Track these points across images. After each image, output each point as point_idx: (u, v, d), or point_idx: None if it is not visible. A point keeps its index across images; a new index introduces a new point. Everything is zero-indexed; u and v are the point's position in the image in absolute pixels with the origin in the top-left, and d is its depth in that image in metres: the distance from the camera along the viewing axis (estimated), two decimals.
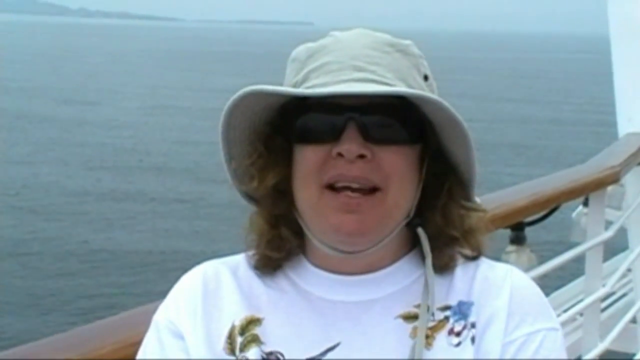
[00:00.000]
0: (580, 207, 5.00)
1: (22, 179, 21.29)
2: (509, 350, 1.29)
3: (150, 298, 1.67)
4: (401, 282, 1.36)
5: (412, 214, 1.35)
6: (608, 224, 4.37)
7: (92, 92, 42.63)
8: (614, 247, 5.91)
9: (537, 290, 1.38)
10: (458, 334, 1.30)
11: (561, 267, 3.78)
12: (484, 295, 1.33)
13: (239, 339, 1.32)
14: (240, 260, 1.44)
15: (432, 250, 1.36)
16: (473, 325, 1.30)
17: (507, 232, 3.99)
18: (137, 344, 1.41)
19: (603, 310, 5.37)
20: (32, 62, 66.18)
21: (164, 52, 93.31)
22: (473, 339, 1.29)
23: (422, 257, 1.37)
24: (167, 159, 24.53)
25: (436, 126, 1.33)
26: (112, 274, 13.96)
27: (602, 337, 4.26)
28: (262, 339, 1.32)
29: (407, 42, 1.38)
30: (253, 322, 1.34)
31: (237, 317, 1.34)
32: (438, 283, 1.34)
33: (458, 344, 1.29)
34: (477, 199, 1.42)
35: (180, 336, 1.34)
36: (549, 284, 5.89)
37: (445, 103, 1.25)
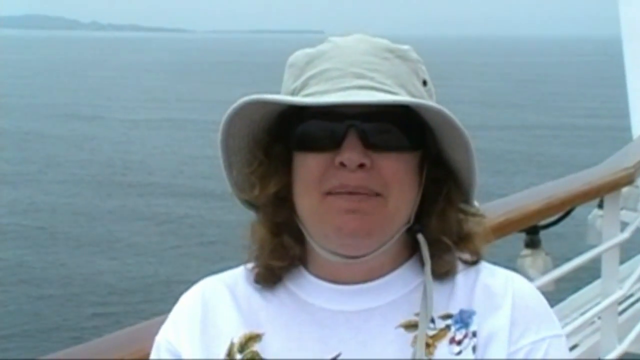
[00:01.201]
0: (596, 210, 4.98)
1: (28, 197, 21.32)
2: None
3: None
4: (401, 290, 1.34)
5: (412, 220, 1.34)
6: (624, 225, 4.35)
7: (99, 106, 42.69)
8: (632, 249, 5.89)
9: (539, 297, 1.36)
10: (459, 343, 1.28)
11: (578, 270, 3.76)
12: (485, 305, 1.31)
13: (238, 357, 1.31)
14: (239, 275, 1.43)
15: (432, 256, 1.34)
16: (474, 335, 1.28)
17: (522, 236, 3.97)
18: (145, 358, 1.41)
19: (621, 312, 5.35)
20: (39, 77, 66.49)
21: (173, 64, 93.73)
22: (474, 348, 1.27)
23: (422, 264, 1.35)
24: (174, 178, 24.26)
25: (436, 132, 1.31)
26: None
27: (621, 339, 4.24)
28: (262, 355, 1.30)
29: (406, 47, 1.37)
30: (252, 338, 1.32)
31: (236, 334, 1.33)
32: (438, 290, 1.33)
33: (459, 353, 1.27)
34: (476, 204, 1.40)
35: (178, 356, 1.34)
36: (565, 287, 5.90)
37: (446, 111, 1.24)
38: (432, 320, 1.29)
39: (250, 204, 1.40)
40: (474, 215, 1.39)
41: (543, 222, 3.85)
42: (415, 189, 1.33)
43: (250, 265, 1.41)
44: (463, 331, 1.29)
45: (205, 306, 1.38)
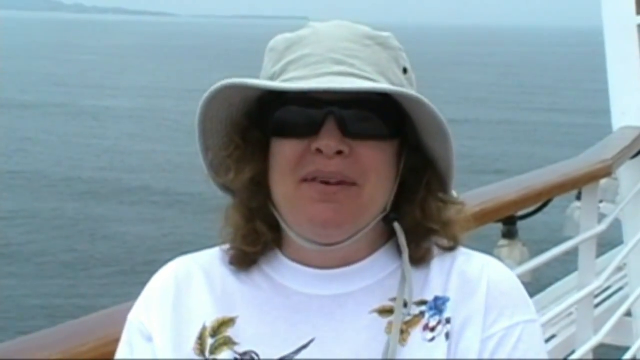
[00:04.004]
0: (575, 202, 4.99)
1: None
2: (488, 346, 1.27)
3: None
4: (377, 275, 1.35)
5: (388, 208, 1.34)
6: (603, 217, 4.36)
7: (80, 93, 41.87)
8: (612, 242, 5.91)
9: (515, 282, 1.36)
10: (432, 330, 1.28)
11: (557, 262, 3.76)
12: (460, 291, 1.31)
13: (210, 341, 1.30)
14: (214, 256, 1.42)
15: (409, 243, 1.34)
16: (448, 321, 1.28)
17: (500, 227, 3.97)
18: (118, 342, 1.39)
19: (598, 305, 5.38)
20: (12, 61, 66.00)
21: (157, 48, 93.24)
22: (447, 335, 1.27)
23: (399, 249, 1.36)
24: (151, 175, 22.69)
25: (415, 121, 1.31)
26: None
27: (596, 330, 4.25)
28: (236, 339, 1.30)
29: (387, 34, 1.36)
30: (225, 323, 1.32)
31: (209, 318, 1.33)
32: (414, 277, 1.33)
33: (432, 339, 1.27)
34: (454, 193, 1.41)
35: (149, 337, 1.33)
36: (545, 279, 5.92)
37: (425, 99, 1.24)
38: (406, 305, 1.29)
39: (227, 188, 1.40)
40: (453, 203, 1.40)
41: (521, 213, 3.84)
42: (393, 178, 1.33)
43: (225, 246, 1.41)
44: (437, 318, 1.29)
45: (178, 287, 1.37)
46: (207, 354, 1.29)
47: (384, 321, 1.29)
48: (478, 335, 1.27)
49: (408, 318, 1.29)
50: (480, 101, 40.92)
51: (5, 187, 19.74)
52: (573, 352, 4.19)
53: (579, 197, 4.38)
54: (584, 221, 4.09)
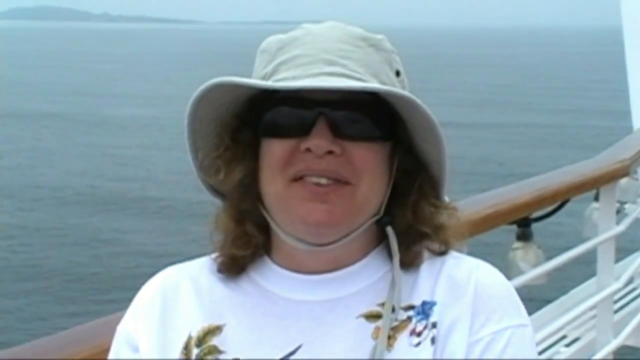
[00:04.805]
0: (593, 203, 4.93)
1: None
2: (475, 350, 1.24)
3: None
4: (366, 280, 1.33)
5: (382, 212, 1.33)
6: (623, 218, 4.31)
7: (105, 102, 41.63)
8: (633, 243, 5.84)
9: (506, 286, 1.33)
10: (419, 334, 1.26)
11: (577, 264, 3.72)
12: (447, 295, 1.29)
13: (195, 351, 1.29)
14: (203, 265, 1.41)
15: (399, 246, 1.33)
16: (434, 325, 1.26)
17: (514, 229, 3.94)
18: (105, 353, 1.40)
19: (620, 308, 5.31)
20: (43, 68, 66.35)
21: (183, 56, 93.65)
22: (433, 340, 1.25)
23: (389, 253, 1.34)
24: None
25: (408, 124, 1.30)
26: None
27: (616, 333, 4.20)
28: (222, 347, 1.29)
29: (380, 36, 1.35)
30: (211, 331, 1.31)
31: (195, 327, 1.31)
32: (403, 281, 1.30)
33: (418, 344, 1.25)
34: (446, 198, 1.39)
35: (135, 348, 1.32)
36: (566, 281, 5.86)
37: (418, 101, 1.23)
38: (394, 311, 1.28)
39: (217, 192, 1.39)
40: (445, 208, 1.38)
41: (536, 215, 3.80)
42: (386, 180, 1.32)
43: (214, 255, 1.40)
44: (424, 322, 1.27)
45: (165, 297, 1.36)
46: None
47: (370, 326, 1.27)
48: (464, 340, 1.24)
49: (395, 323, 1.27)
50: (503, 105, 40.61)
51: (32, 200, 19.66)
52: (593, 355, 4.13)
53: (597, 198, 4.33)
54: (602, 222, 4.05)
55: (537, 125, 32.74)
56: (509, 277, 3.49)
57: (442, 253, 1.36)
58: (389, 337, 1.25)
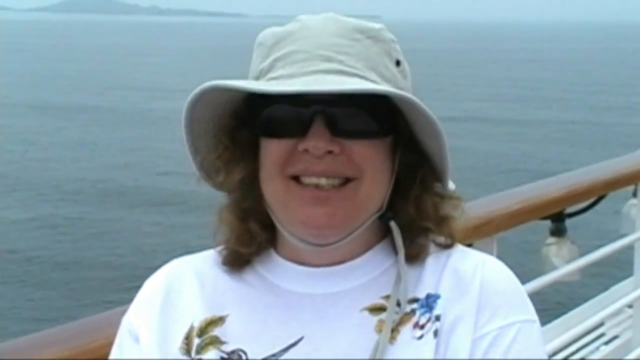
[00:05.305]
0: (631, 199, 4.85)
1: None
2: (481, 346, 1.22)
3: None
4: (371, 273, 1.32)
5: (384, 207, 1.31)
6: None
7: (150, 95, 41.68)
8: None
9: (513, 281, 1.30)
10: (422, 327, 1.24)
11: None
12: (452, 290, 1.27)
13: (197, 341, 1.29)
14: (208, 257, 1.41)
15: (404, 239, 1.31)
16: (437, 319, 1.24)
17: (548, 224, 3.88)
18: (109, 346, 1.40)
19: None
20: (91, 61, 66.89)
21: (228, 49, 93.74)
22: (436, 332, 1.23)
23: (393, 247, 1.32)
24: None
25: (407, 118, 1.27)
26: None
27: None
28: (223, 338, 1.28)
29: (378, 26, 1.32)
30: (213, 322, 1.30)
31: (197, 318, 1.31)
32: (408, 275, 1.29)
33: (420, 337, 1.23)
34: (452, 185, 1.36)
35: (137, 338, 1.32)
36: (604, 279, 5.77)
37: (414, 98, 1.21)
38: (399, 305, 1.26)
39: (222, 188, 1.38)
40: (450, 198, 1.36)
41: (570, 210, 3.74)
42: (388, 175, 1.30)
43: (219, 247, 1.39)
44: (427, 315, 1.25)
45: (168, 289, 1.36)
46: (193, 353, 1.27)
47: (374, 319, 1.26)
48: (469, 335, 1.22)
49: (399, 316, 1.25)
50: (550, 101, 40.13)
51: (74, 192, 19.79)
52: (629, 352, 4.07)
53: (635, 194, 4.25)
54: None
55: (582, 122, 32.33)
56: (542, 272, 3.47)
57: (448, 246, 1.34)
58: (393, 330, 1.23)
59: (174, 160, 22.66)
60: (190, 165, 1.37)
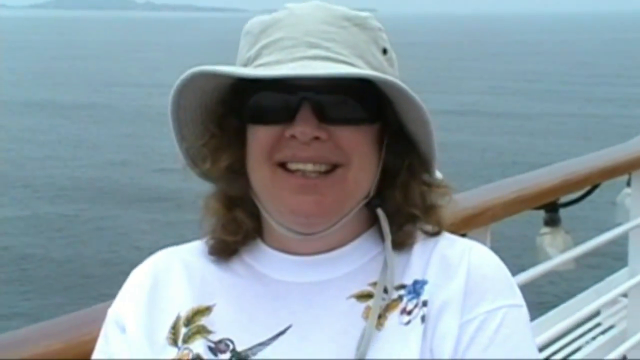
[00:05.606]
0: (625, 188, 4.86)
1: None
2: (468, 330, 1.22)
3: None
4: (358, 261, 1.32)
5: (371, 194, 1.32)
6: None
7: (145, 90, 41.22)
8: None
9: (499, 267, 1.31)
10: (409, 313, 1.24)
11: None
12: (439, 275, 1.27)
13: (183, 330, 1.29)
14: (196, 247, 1.41)
15: (391, 226, 1.32)
16: (425, 304, 1.24)
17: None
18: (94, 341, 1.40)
19: None
20: (85, 57, 66.63)
21: (226, 44, 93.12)
22: (423, 318, 1.23)
23: (381, 235, 1.33)
24: None
25: (395, 105, 1.28)
26: None
27: None
28: (211, 328, 1.28)
29: (365, 14, 1.33)
30: (200, 312, 1.30)
31: (184, 308, 1.31)
32: (395, 261, 1.30)
33: (408, 323, 1.23)
34: (439, 175, 1.37)
35: (123, 328, 1.32)
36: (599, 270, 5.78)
37: (401, 84, 1.21)
38: (386, 291, 1.27)
39: (207, 176, 1.38)
40: (437, 187, 1.37)
41: (565, 200, 3.75)
42: (375, 162, 1.31)
43: (206, 238, 1.39)
44: (414, 301, 1.26)
45: (155, 279, 1.36)
46: (179, 343, 1.28)
47: (361, 306, 1.26)
48: (456, 320, 1.23)
49: (386, 302, 1.26)
50: (547, 93, 40.04)
51: (72, 190, 19.68)
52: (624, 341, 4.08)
53: (629, 183, 4.26)
54: (634, 207, 3.98)
55: (579, 114, 32.24)
56: (537, 262, 3.48)
57: (436, 234, 1.35)
58: (380, 317, 1.24)
59: (170, 157, 22.52)
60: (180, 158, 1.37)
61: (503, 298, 1.26)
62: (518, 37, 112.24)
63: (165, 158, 22.47)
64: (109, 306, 1.69)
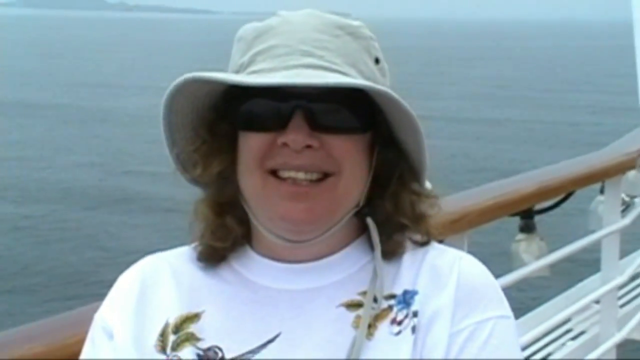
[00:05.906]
0: (598, 195, 4.91)
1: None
2: (457, 340, 1.23)
3: None
4: (348, 269, 1.32)
5: (362, 203, 1.32)
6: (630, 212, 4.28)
7: (120, 93, 40.90)
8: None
9: (488, 278, 1.32)
10: (399, 323, 1.25)
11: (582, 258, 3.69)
12: (429, 285, 1.28)
13: (172, 337, 1.28)
14: (184, 253, 1.41)
15: (380, 236, 1.32)
16: (415, 314, 1.25)
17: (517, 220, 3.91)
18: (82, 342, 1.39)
19: (626, 303, 5.28)
20: (55, 57, 66.17)
21: (198, 45, 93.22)
22: (414, 329, 1.24)
23: (370, 244, 1.33)
24: None
25: (387, 114, 1.28)
26: None
27: (621, 326, 4.19)
28: (200, 335, 1.27)
29: (357, 23, 1.34)
30: (189, 319, 1.29)
31: (172, 314, 1.30)
32: (385, 271, 1.30)
33: (398, 333, 1.24)
34: (429, 185, 1.38)
35: (110, 335, 1.31)
36: (575, 275, 5.82)
37: (394, 94, 1.22)
38: (375, 300, 1.27)
39: (197, 181, 1.37)
40: (427, 196, 1.37)
41: (540, 207, 3.78)
42: (366, 171, 1.31)
43: (194, 244, 1.39)
44: (404, 311, 1.26)
45: (143, 284, 1.35)
46: (168, 350, 1.27)
47: (351, 315, 1.26)
48: (446, 330, 1.23)
49: (376, 312, 1.26)
50: (517, 99, 40.24)
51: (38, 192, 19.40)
52: (597, 348, 4.12)
53: (602, 191, 4.30)
54: (607, 215, 4.04)
55: (549, 122, 32.41)
56: (512, 268, 3.50)
57: (424, 243, 1.36)
58: (370, 326, 1.24)
59: (139, 159, 22.42)
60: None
61: (492, 309, 1.27)
62: (490, 43, 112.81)
63: (133, 160, 22.37)
64: (92, 309, 1.67)
